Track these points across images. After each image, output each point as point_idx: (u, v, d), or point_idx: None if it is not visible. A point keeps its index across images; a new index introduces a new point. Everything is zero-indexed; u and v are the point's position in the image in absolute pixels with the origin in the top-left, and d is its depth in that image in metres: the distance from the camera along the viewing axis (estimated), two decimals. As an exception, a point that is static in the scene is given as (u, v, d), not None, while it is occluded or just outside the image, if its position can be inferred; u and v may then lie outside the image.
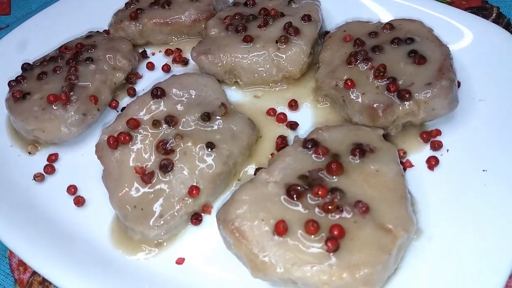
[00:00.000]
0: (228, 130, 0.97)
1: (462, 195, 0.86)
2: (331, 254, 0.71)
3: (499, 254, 0.74)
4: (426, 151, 0.97)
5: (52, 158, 1.08)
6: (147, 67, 1.26)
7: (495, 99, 0.99)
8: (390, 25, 1.10)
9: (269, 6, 1.22)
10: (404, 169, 0.92)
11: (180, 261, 0.86)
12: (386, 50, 1.03)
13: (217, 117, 0.98)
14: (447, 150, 0.95)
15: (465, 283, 0.73)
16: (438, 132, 0.98)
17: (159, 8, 1.30)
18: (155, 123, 0.96)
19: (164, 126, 0.96)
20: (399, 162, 0.87)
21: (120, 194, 0.90)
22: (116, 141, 0.94)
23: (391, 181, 0.81)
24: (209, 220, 0.91)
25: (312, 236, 0.73)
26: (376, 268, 0.70)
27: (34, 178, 1.04)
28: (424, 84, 0.94)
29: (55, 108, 1.06)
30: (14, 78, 1.17)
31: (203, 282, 0.83)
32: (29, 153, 1.11)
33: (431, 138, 0.98)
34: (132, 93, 1.20)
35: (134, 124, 0.96)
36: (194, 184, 0.89)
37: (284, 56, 1.10)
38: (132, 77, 1.22)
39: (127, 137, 0.94)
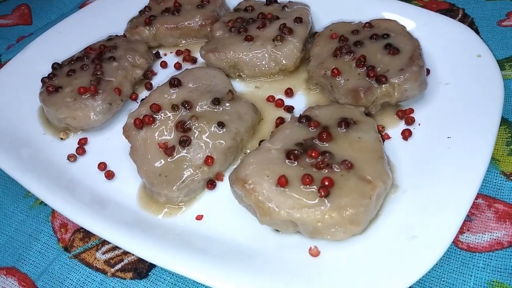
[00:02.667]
0: (235, 112, 1.15)
1: (431, 157, 1.03)
2: (324, 199, 0.89)
3: (458, 200, 0.91)
4: (401, 126, 1.14)
5: (82, 142, 1.25)
6: (160, 66, 1.44)
7: (458, 83, 1.17)
8: (369, 24, 1.29)
9: (266, 11, 1.42)
10: (383, 140, 1.11)
11: (199, 217, 1.03)
12: (366, 44, 1.22)
13: (226, 102, 1.16)
14: (419, 124, 1.13)
15: (432, 223, 0.90)
16: (411, 110, 1.17)
17: (169, 15, 1.49)
18: (174, 107, 1.14)
19: (182, 109, 1.14)
20: (377, 131, 1.05)
21: (147, 165, 1.08)
22: (142, 122, 1.12)
23: (371, 145, 0.99)
24: (222, 186, 1.09)
25: (308, 186, 0.91)
26: (359, 209, 0.88)
27: (68, 159, 1.21)
28: (397, 70, 1.13)
29: (84, 98, 1.24)
30: (46, 75, 1.35)
31: (219, 232, 0.99)
32: (61, 138, 1.28)
33: (405, 115, 1.16)
34: (149, 87, 1.38)
35: (156, 108, 1.13)
36: (209, 155, 1.06)
37: (280, 52, 1.29)
38: (148, 73, 1.40)
39: (151, 119, 1.12)
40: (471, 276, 0.89)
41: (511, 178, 1.01)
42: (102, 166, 1.17)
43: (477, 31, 1.40)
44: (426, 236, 0.87)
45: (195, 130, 1.10)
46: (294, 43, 1.29)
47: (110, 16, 1.65)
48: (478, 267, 0.90)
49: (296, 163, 0.95)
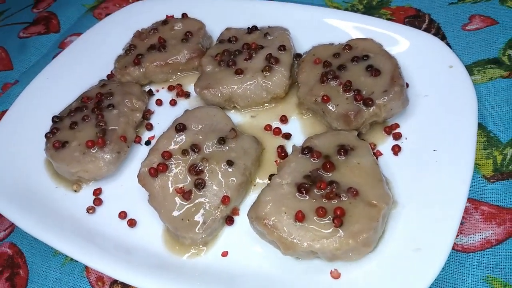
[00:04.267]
0: (240, 148, 1.24)
1: (421, 170, 1.16)
2: (338, 228, 1.01)
3: (451, 209, 1.05)
4: (390, 141, 1.26)
5: (97, 192, 1.32)
6: (156, 104, 1.51)
7: (436, 94, 1.29)
8: (348, 46, 1.40)
9: (249, 40, 1.50)
10: (376, 157, 1.23)
11: (224, 253, 1.13)
12: (348, 67, 1.33)
13: (230, 140, 1.25)
14: (406, 138, 1.26)
15: (432, 234, 1.03)
16: (397, 125, 1.29)
17: (156, 52, 1.55)
18: (184, 152, 1.22)
19: (191, 153, 1.22)
20: (373, 153, 1.17)
21: (168, 212, 1.16)
22: (156, 171, 1.20)
23: (370, 169, 1.12)
24: (239, 220, 1.19)
25: (322, 218, 1.02)
26: (370, 233, 1.00)
27: (87, 211, 1.28)
28: (381, 92, 1.25)
29: (93, 151, 1.30)
30: (49, 131, 1.39)
31: (246, 265, 1.10)
32: (75, 191, 1.35)
33: (392, 130, 1.28)
34: (150, 127, 1.45)
35: (168, 155, 1.21)
36: (225, 194, 1.16)
37: (270, 82, 1.37)
38: (146, 114, 1.47)
39: (164, 166, 1.20)
40: (468, 274, 1.04)
41: (491, 180, 1.16)
42: (122, 215, 1.25)
43: (444, 37, 1.53)
44: (429, 246, 1.01)
45: (207, 172, 1.19)
46: (282, 72, 1.38)
47: (94, 55, 1.70)
48: (473, 265, 1.05)
49: (307, 197, 1.07)
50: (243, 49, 1.47)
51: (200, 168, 1.19)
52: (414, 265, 0.99)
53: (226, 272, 1.10)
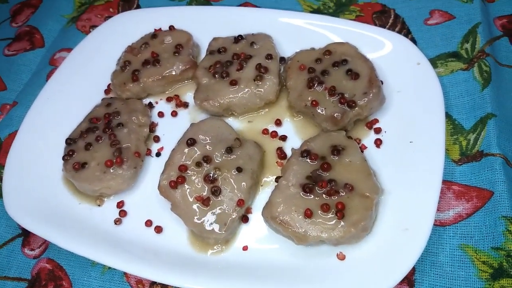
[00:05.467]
0: (246, 154, 1.42)
1: (402, 159, 1.36)
2: (340, 220, 1.22)
3: (430, 191, 1.27)
4: (372, 135, 1.46)
5: (120, 204, 1.47)
6: (158, 116, 1.64)
7: (407, 90, 1.49)
8: (328, 51, 1.56)
9: (237, 50, 1.64)
10: (362, 151, 1.43)
11: (245, 248, 1.33)
12: (331, 72, 1.50)
13: (236, 148, 1.42)
14: (385, 132, 1.46)
15: (416, 215, 1.25)
16: (377, 120, 1.48)
17: (151, 67, 1.67)
18: (198, 164, 1.38)
19: (204, 164, 1.39)
20: (360, 151, 1.38)
21: (191, 218, 1.33)
22: (176, 183, 1.36)
23: (360, 166, 1.32)
24: (252, 217, 1.39)
25: (327, 213, 1.23)
26: (366, 220, 1.22)
27: (115, 223, 1.44)
28: (362, 94, 1.43)
29: (112, 170, 1.44)
30: (66, 153, 1.51)
31: (264, 255, 1.30)
32: (98, 205, 1.49)
33: (373, 125, 1.48)
34: (157, 139, 1.59)
35: (184, 168, 1.38)
36: (239, 197, 1.34)
37: (262, 89, 1.53)
38: (151, 127, 1.61)
39: (183, 178, 1.36)
40: (446, 244, 1.28)
41: (459, 163, 1.39)
42: (148, 223, 1.42)
43: (409, 31, 1.72)
44: (415, 226, 1.23)
45: (220, 179, 1.37)
46: (272, 80, 1.55)
47: (88, 71, 1.78)
48: (449, 236, 1.29)
49: (311, 195, 1.27)
50: (233, 59, 1.62)
51: (214, 177, 1.36)
52: (404, 243, 1.22)
53: (248, 263, 1.31)
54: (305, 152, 1.36)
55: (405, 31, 1.73)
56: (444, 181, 1.37)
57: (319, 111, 1.45)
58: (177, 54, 1.69)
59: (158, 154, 1.56)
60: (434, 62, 1.60)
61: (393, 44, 1.59)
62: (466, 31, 1.63)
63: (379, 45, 1.60)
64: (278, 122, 1.55)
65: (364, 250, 1.26)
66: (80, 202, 1.51)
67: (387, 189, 1.34)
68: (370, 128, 1.49)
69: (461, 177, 1.37)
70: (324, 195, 1.27)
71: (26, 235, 1.52)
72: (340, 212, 1.22)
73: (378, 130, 1.47)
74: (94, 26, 2.00)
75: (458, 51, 1.60)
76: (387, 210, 1.31)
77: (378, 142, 1.45)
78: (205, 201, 1.34)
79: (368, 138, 1.47)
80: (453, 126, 1.47)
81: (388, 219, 1.29)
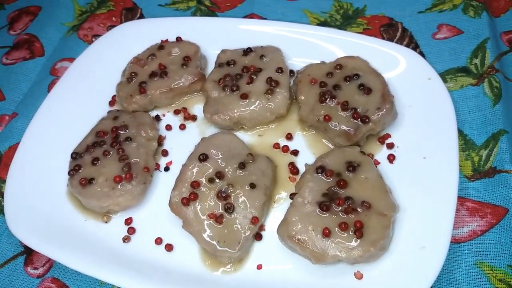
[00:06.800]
0: (259, 170, 1.39)
1: (415, 176, 1.37)
2: (359, 239, 1.20)
3: (445, 209, 1.26)
4: (384, 150, 1.46)
5: (128, 221, 1.43)
6: (166, 129, 1.61)
7: (419, 105, 1.49)
8: (339, 65, 1.56)
9: (246, 63, 1.62)
10: (376, 167, 1.42)
11: (259, 266, 1.31)
12: (343, 87, 1.49)
13: (248, 163, 1.40)
14: (398, 147, 1.46)
15: (432, 233, 1.24)
16: (389, 135, 1.48)
17: (159, 79, 1.64)
18: (210, 180, 1.36)
19: (217, 180, 1.36)
20: (376, 167, 1.37)
21: (204, 236, 1.31)
22: (188, 200, 1.33)
23: (376, 182, 1.31)
24: (266, 235, 1.36)
25: (345, 232, 1.22)
26: (385, 239, 1.21)
27: (123, 241, 1.40)
28: (375, 109, 1.42)
29: (120, 187, 1.40)
30: (72, 168, 1.47)
31: (280, 274, 1.28)
32: (105, 222, 1.45)
33: (385, 140, 1.48)
34: (165, 153, 1.56)
35: (196, 184, 1.35)
36: (254, 215, 1.32)
37: (273, 103, 1.52)
38: (159, 140, 1.58)
39: (195, 195, 1.33)
40: (462, 261, 1.28)
41: (472, 179, 1.39)
42: (158, 240, 1.38)
43: (417, 45, 1.72)
44: (432, 244, 1.22)
45: (233, 196, 1.34)
46: (283, 93, 1.53)
47: (91, 82, 1.74)
48: (465, 253, 1.28)
49: (328, 214, 1.25)
50: (243, 72, 1.59)
51: (227, 194, 1.34)
52: (421, 261, 1.21)
53: (263, 282, 1.28)
54: (320, 168, 1.34)
55: (413, 45, 1.73)
56: (458, 197, 1.36)
57: (332, 126, 1.44)
58: (185, 66, 1.66)
59: (166, 169, 1.53)
60: (443, 76, 1.60)
61: (405, 58, 1.58)
62: (475, 46, 1.63)
63: (390, 60, 1.59)
64: (289, 136, 1.53)
65: (382, 268, 1.24)
66: (86, 218, 1.46)
67: (402, 206, 1.33)
68: (382, 143, 1.48)
69: (474, 193, 1.37)
70: (341, 213, 1.25)
71: (28, 253, 1.47)
72: (359, 231, 1.21)
73: (390, 145, 1.46)
74: (96, 36, 1.96)
75: (467, 66, 1.61)
76: (403, 228, 1.30)
77: (391, 158, 1.44)
78: (218, 219, 1.31)
79: (381, 154, 1.46)
80: (464, 141, 1.47)
81: (404, 237, 1.28)
